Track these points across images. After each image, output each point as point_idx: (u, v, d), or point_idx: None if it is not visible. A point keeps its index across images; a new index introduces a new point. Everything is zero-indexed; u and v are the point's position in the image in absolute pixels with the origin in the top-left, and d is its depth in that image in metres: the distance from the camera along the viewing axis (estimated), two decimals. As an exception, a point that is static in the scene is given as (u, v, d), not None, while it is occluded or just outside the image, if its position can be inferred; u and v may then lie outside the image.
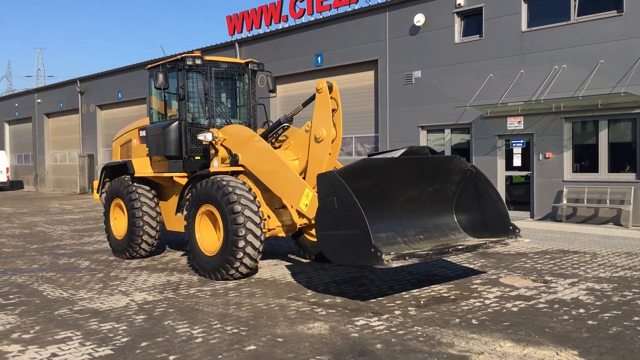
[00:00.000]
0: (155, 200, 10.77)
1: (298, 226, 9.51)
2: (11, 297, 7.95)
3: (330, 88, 8.56)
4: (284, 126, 9.75)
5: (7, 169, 36.14)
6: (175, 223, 10.66)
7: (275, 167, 8.86)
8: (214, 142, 9.61)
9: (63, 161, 36.60)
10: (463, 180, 8.73)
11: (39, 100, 37.78)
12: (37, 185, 38.42)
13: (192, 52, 18.38)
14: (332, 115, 8.58)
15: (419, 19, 18.03)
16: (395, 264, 6.73)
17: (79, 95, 33.73)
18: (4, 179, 35.54)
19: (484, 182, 8.64)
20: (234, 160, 9.40)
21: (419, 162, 8.37)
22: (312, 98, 9.07)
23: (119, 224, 11.13)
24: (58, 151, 37.09)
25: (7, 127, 42.57)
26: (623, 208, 14.04)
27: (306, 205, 8.27)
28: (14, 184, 39.63)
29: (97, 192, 12.07)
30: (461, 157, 8.98)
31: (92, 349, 5.68)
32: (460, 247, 7.80)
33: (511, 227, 8.32)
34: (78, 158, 33.51)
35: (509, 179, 16.58)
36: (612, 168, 14.66)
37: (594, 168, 14.93)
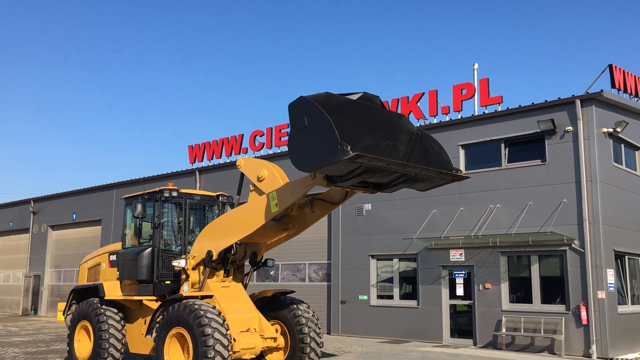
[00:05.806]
0: (122, 322, 11.24)
1: (260, 349, 10.15)
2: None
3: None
4: None
5: None
6: (140, 345, 11.08)
7: (239, 215, 9.93)
8: (186, 267, 10.41)
9: (6, 281, 35.61)
10: (411, 142, 9.33)
11: (-13, 219, 37.39)
12: (-26, 306, 36.90)
13: (159, 178, 19.16)
14: None
15: (369, 158, 19.85)
16: (358, 155, 7.30)
17: (32, 214, 33.75)
18: None
19: (428, 140, 9.30)
20: (208, 256, 10.19)
21: (374, 111, 8.99)
22: (242, 180, 10.42)
23: (83, 346, 11.43)
24: (2, 271, 36.18)
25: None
26: (556, 337, 15.20)
27: (277, 203, 9.30)
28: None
29: (63, 314, 12.40)
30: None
31: None
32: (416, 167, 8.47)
33: (454, 170, 9.05)
34: (23, 278, 32.82)
35: (453, 307, 17.65)
36: (545, 299, 16.01)
37: (528, 299, 16.25)
